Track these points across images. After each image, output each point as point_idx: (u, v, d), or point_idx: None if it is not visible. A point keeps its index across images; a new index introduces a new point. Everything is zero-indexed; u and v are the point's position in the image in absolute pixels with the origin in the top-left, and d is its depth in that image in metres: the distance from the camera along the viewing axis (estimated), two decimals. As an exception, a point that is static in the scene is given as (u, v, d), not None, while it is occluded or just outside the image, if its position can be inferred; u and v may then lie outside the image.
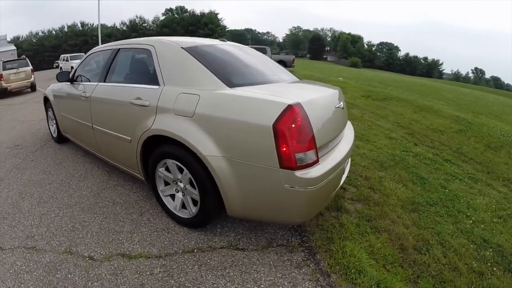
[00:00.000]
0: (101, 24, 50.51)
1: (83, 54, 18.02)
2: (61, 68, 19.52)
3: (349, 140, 2.29)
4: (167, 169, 2.15)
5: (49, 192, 2.89)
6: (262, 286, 1.65)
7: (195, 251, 1.92)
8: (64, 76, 3.33)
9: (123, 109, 2.42)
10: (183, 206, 2.18)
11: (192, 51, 2.16)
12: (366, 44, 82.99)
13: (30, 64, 11.69)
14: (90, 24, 51.24)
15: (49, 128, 4.59)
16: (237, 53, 2.54)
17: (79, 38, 47.51)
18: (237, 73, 2.20)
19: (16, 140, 4.74)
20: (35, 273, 1.85)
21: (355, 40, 78.19)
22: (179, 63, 2.11)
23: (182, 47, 2.18)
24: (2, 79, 10.59)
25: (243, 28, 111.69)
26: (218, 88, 1.86)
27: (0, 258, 2.01)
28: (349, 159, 2.34)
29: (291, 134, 1.52)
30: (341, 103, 2.20)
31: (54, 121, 4.19)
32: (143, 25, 51.89)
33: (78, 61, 15.75)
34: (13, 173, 3.39)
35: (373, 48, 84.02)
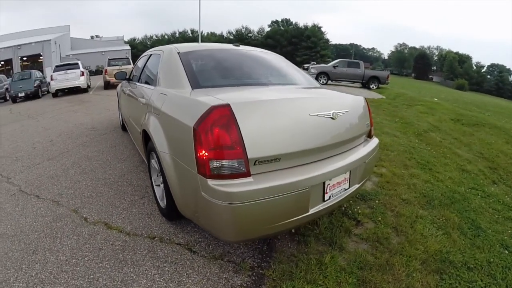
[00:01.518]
0: (211, 32, 57.60)
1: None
2: None
3: (349, 159, 1.90)
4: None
5: (92, 166, 3.66)
6: None
7: (155, 239, 2.21)
8: (121, 75, 4.14)
9: (136, 105, 2.98)
10: (164, 197, 2.47)
11: (184, 55, 2.30)
12: (475, 65, 72.83)
13: (132, 63, 14.27)
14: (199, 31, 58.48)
15: (119, 118, 5.70)
16: (233, 58, 2.60)
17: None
18: (212, 76, 2.23)
19: (95, 123, 6.05)
20: (46, 218, 2.49)
21: (463, 60, 69.66)
22: (170, 67, 2.30)
23: (178, 52, 2.34)
24: (106, 73, 13.24)
25: (347, 43, 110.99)
26: (183, 89, 1.96)
27: (33, 202, 2.78)
28: (357, 185, 2.04)
29: (207, 138, 1.42)
30: (334, 112, 1.80)
31: (120, 112, 5.22)
32: (249, 35, 56.88)
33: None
34: (78, 148, 4.40)
35: (482, 70, 73.55)
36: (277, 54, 3.15)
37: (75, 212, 2.59)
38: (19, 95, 12.46)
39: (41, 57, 33.29)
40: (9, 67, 33.29)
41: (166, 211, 2.31)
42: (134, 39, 58.79)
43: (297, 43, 52.45)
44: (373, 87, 15.24)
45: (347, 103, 2.09)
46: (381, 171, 3.49)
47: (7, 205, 2.78)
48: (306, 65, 20.84)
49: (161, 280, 1.75)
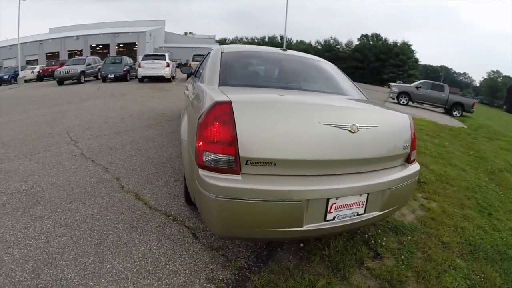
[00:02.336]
0: (300, 40, 59.00)
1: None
2: None
3: (367, 181, 1.69)
4: None
5: (148, 146, 4.11)
6: (151, 258, 1.82)
7: (170, 217, 2.32)
8: (187, 70, 4.45)
9: (185, 97, 3.24)
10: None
11: (226, 55, 2.41)
12: None
13: None
14: (288, 38, 60.43)
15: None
16: (272, 61, 2.67)
17: (275, 49, 57.11)
18: (242, 76, 2.31)
19: (166, 110, 6.78)
20: (92, 179, 2.95)
21: None
22: (211, 65, 2.38)
23: (222, 52, 2.47)
24: (190, 66, 14.72)
25: (438, 64, 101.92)
26: (212, 86, 2.03)
27: (87, 164, 3.32)
28: (377, 212, 1.80)
29: (206, 131, 1.47)
30: (355, 125, 1.62)
31: (187, 104, 5.73)
32: (336, 46, 56.60)
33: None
34: (142, 128, 4.99)
35: None
36: (329, 63, 3.03)
37: (117, 179, 2.94)
38: (109, 76, 14.71)
39: (135, 46, 38.64)
40: (106, 51, 39.72)
41: (185, 196, 2.47)
42: (225, 40, 63.47)
43: (385, 60, 49.89)
44: (456, 114, 13.84)
45: (379, 118, 1.85)
46: (430, 205, 3.03)
47: (66, 162, 3.37)
48: (391, 83, 19.75)
49: (157, 252, 1.88)
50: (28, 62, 33.81)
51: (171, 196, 2.68)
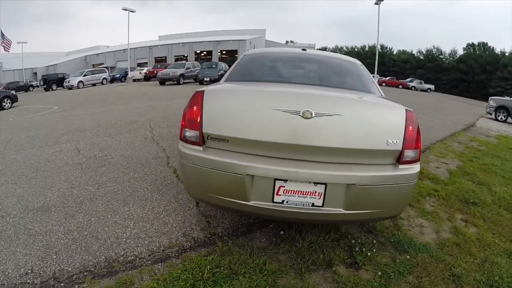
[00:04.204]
0: (402, 50, 54.69)
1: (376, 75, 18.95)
2: None
3: (325, 172, 1.71)
4: None
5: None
6: (156, 211, 2.39)
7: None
8: None
9: None
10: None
11: (246, 56, 2.81)
12: None
13: None
14: (389, 47, 56.41)
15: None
16: (283, 59, 2.88)
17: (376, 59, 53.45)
18: (245, 73, 2.55)
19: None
20: (149, 155, 3.84)
21: None
22: (233, 65, 2.78)
23: (245, 54, 2.89)
24: None
25: None
26: (221, 82, 2.45)
27: (152, 145, 4.31)
28: (342, 210, 1.74)
29: (187, 113, 1.87)
30: (308, 111, 1.68)
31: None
32: (439, 56, 50.70)
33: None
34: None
35: None
36: (352, 61, 2.90)
37: (167, 158, 3.74)
38: (205, 79, 16.91)
39: (236, 54, 41.90)
40: (210, 57, 44.13)
41: None
42: (325, 48, 62.50)
43: (491, 72, 41.77)
44: None
45: (347, 107, 1.82)
46: (466, 230, 2.53)
47: (137, 142, 4.42)
48: (491, 98, 16.79)
49: (162, 208, 2.48)
50: (139, 65, 40.08)
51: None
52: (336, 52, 58.75)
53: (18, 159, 3.92)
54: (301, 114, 1.68)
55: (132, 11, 26.31)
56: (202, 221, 2.32)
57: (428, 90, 31.87)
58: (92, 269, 1.75)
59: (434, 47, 52.23)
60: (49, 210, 2.44)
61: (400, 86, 32.88)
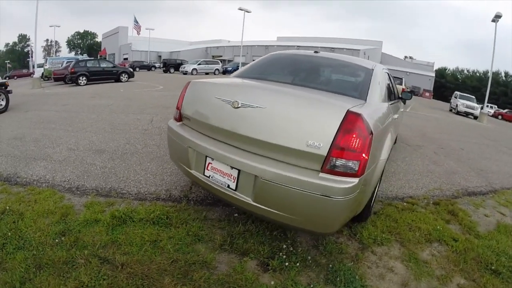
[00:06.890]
0: None
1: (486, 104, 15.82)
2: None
3: (238, 157, 1.87)
4: None
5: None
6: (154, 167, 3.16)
7: None
8: None
9: None
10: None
11: (262, 57, 3.14)
12: None
13: (403, 84, 16.54)
14: (505, 71, 47.47)
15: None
16: (289, 61, 3.06)
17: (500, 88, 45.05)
18: (248, 71, 2.87)
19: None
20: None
21: None
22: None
23: (265, 55, 3.20)
24: None
25: None
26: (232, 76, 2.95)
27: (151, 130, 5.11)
28: (249, 199, 1.86)
29: (179, 99, 2.44)
30: (237, 101, 1.92)
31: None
32: None
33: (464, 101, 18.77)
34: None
35: None
36: (365, 67, 2.69)
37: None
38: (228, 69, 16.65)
39: None
40: None
41: None
42: (445, 69, 55.94)
43: None
44: None
45: (271, 101, 1.91)
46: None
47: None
48: None
49: (160, 169, 3.25)
50: (253, 60, 42.87)
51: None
52: (456, 74, 50.97)
53: (107, 118, 5.50)
54: (230, 104, 1.97)
55: (248, 12, 28.67)
56: (187, 186, 2.99)
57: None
58: (98, 190, 2.69)
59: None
60: (103, 152, 3.59)
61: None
